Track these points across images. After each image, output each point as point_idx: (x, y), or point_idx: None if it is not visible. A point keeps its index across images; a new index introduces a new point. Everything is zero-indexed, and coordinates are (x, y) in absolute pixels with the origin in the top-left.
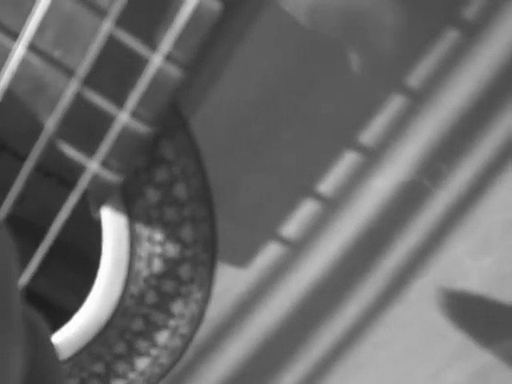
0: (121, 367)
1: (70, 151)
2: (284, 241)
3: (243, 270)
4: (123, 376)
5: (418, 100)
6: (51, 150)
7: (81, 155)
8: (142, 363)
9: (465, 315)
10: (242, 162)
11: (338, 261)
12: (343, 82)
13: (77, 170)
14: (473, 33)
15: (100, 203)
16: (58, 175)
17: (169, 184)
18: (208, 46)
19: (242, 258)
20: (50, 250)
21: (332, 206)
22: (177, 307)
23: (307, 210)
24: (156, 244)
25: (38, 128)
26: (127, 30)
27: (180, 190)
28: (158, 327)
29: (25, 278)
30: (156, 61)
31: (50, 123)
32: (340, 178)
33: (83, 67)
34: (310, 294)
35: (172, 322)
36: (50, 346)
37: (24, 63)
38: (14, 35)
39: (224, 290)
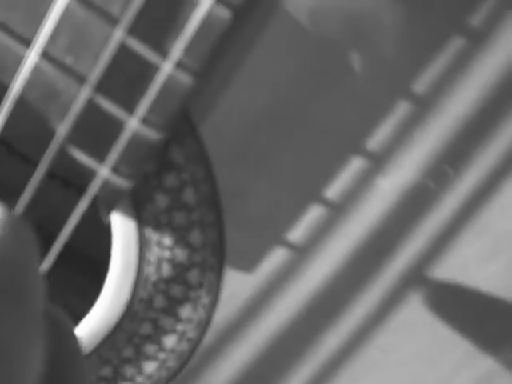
0: (128, 371)
1: (80, 157)
2: (291, 246)
3: (251, 275)
4: (131, 379)
5: (424, 105)
6: (62, 155)
7: (91, 161)
8: (149, 367)
9: (447, 307)
10: (251, 168)
11: (345, 265)
12: (351, 88)
13: (87, 175)
14: (477, 40)
15: (110, 208)
16: (63, 178)
17: (178, 189)
18: (218, 54)
19: (249, 263)
20: (59, 255)
21: (339, 212)
22: (185, 312)
23: (314, 215)
24: (165, 248)
25: (49, 134)
26: (138, 38)
27: (189, 196)
28: (166, 331)
29: None
30: (166, 68)
31: (62, 129)
32: (347, 184)
33: (95, 74)
34: (316, 298)
35: (180, 327)
36: (74, 340)
37: (36, 70)
38: (27, 43)
39: (231, 294)
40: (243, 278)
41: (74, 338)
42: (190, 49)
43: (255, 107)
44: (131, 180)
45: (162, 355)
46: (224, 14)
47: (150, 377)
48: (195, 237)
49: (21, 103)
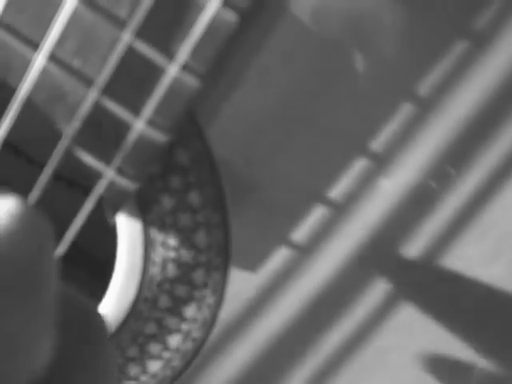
0: (133, 370)
1: (86, 158)
2: (295, 246)
3: (255, 275)
4: (135, 379)
5: (427, 106)
6: (69, 157)
7: (97, 162)
8: (154, 366)
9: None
10: (256, 170)
11: (347, 265)
12: (354, 89)
13: (93, 176)
14: (480, 41)
15: (115, 209)
16: (69, 179)
17: (183, 191)
18: (224, 56)
19: (254, 263)
20: (65, 255)
21: (342, 212)
22: (190, 311)
23: (318, 215)
24: (170, 249)
25: (56, 136)
26: (145, 41)
27: (194, 197)
28: (171, 331)
29: None
30: (173, 71)
31: (68, 131)
32: (350, 184)
33: (102, 77)
34: (319, 298)
35: (184, 326)
36: (104, 337)
37: (44, 73)
38: (35, 45)
39: (236, 294)
40: (248, 277)
41: (104, 336)
42: (196, 51)
43: (260, 109)
44: (137, 181)
45: (166, 354)
46: (230, 17)
47: (154, 376)
48: (200, 238)
49: (28, 105)
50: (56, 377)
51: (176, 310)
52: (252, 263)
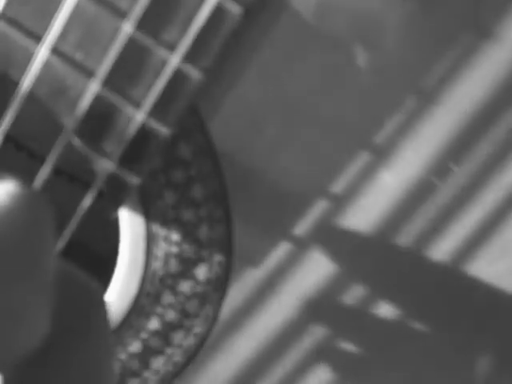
0: (135, 365)
1: (88, 152)
2: (297, 240)
3: (257, 270)
4: (138, 374)
5: (431, 100)
6: (70, 150)
7: (99, 156)
8: (156, 362)
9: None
10: (258, 164)
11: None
12: (356, 83)
13: (95, 170)
14: (484, 35)
15: (118, 204)
16: (70, 174)
17: (186, 185)
18: (227, 49)
19: (256, 258)
20: (65, 250)
21: (344, 206)
22: (192, 307)
23: (320, 209)
24: (172, 244)
25: (57, 129)
26: (146, 32)
27: (197, 191)
28: (173, 326)
29: None
30: (175, 62)
31: (70, 124)
32: (352, 178)
33: (103, 69)
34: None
35: (187, 322)
36: (102, 314)
37: (47, 66)
38: (37, 38)
39: (238, 289)
40: (250, 272)
41: (102, 314)
42: (199, 44)
43: (262, 103)
44: (139, 176)
45: (168, 350)
46: (235, 9)
47: (156, 371)
48: (203, 232)
49: (30, 99)
50: (53, 350)
51: (178, 305)
52: (254, 258)
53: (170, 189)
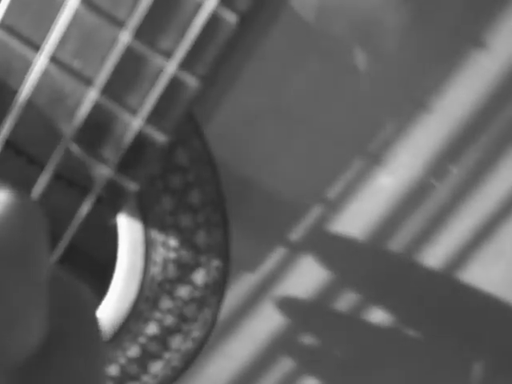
0: (134, 370)
1: (87, 158)
2: (294, 245)
3: (254, 274)
4: (136, 378)
5: (428, 105)
6: (69, 156)
7: (98, 162)
8: (154, 366)
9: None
10: (255, 169)
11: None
12: (354, 87)
13: (94, 176)
14: (480, 41)
15: (116, 210)
16: (68, 179)
17: (183, 191)
18: (223, 56)
19: (253, 263)
20: (64, 256)
21: (341, 211)
22: (190, 311)
23: (316, 215)
24: (170, 249)
25: (56, 136)
26: (143, 41)
27: (194, 197)
28: (172, 331)
29: None
30: (171, 70)
31: (68, 131)
32: (349, 183)
33: (101, 77)
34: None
35: (185, 326)
36: (90, 315)
37: (45, 74)
38: (35, 47)
39: (235, 293)
40: (247, 277)
41: (90, 313)
42: (195, 52)
43: (259, 108)
44: (137, 182)
45: (167, 354)
46: (231, 18)
47: (155, 376)
48: (200, 238)
49: (29, 106)
50: (45, 354)
51: (177, 310)
52: (252, 263)
53: (167, 194)
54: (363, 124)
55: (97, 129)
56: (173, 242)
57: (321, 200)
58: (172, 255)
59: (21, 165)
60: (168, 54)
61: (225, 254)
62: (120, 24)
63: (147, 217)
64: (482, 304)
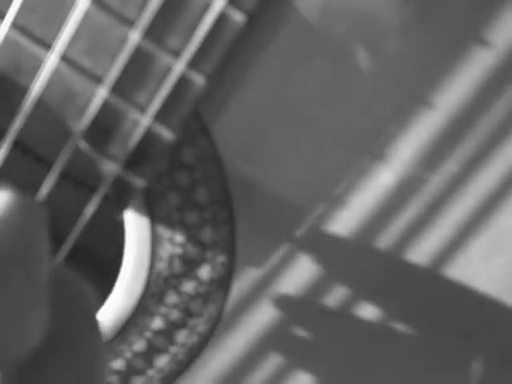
0: (140, 364)
1: (95, 155)
2: (298, 242)
3: (259, 270)
4: (142, 373)
5: (432, 103)
6: (77, 154)
7: (105, 159)
8: (160, 360)
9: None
10: (261, 167)
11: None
12: (359, 87)
13: (101, 173)
14: (482, 40)
15: (123, 206)
16: (75, 177)
17: (190, 188)
18: (230, 55)
19: (258, 259)
20: (71, 253)
21: (344, 207)
22: (195, 306)
23: (320, 213)
24: (177, 245)
25: (64, 134)
26: (152, 40)
27: (201, 194)
28: (177, 326)
29: None
30: (179, 68)
31: (77, 128)
32: (353, 180)
33: (111, 75)
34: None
35: (191, 321)
36: (91, 316)
37: (56, 73)
38: (46, 46)
39: (240, 288)
40: (253, 273)
41: (89, 311)
42: (203, 50)
43: (265, 107)
44: (144, 178)
45: (172, 349)
46: (238, 17)
47: (160, 370)
48: (206, 234)
49: (39, 105)
50: (46, 354)
51: (182, 305)
52: (257, 259)
53: (174, 191)
54: (368, 123)
55: (105, 126)
56: (179, 238)
57: (325, 199)
58: (178, 251)
59: (28, 163)
60: (176, 53)
61: (230, 250)
62: (129, 23)
63: (154, 213)
64: (480, 302)
